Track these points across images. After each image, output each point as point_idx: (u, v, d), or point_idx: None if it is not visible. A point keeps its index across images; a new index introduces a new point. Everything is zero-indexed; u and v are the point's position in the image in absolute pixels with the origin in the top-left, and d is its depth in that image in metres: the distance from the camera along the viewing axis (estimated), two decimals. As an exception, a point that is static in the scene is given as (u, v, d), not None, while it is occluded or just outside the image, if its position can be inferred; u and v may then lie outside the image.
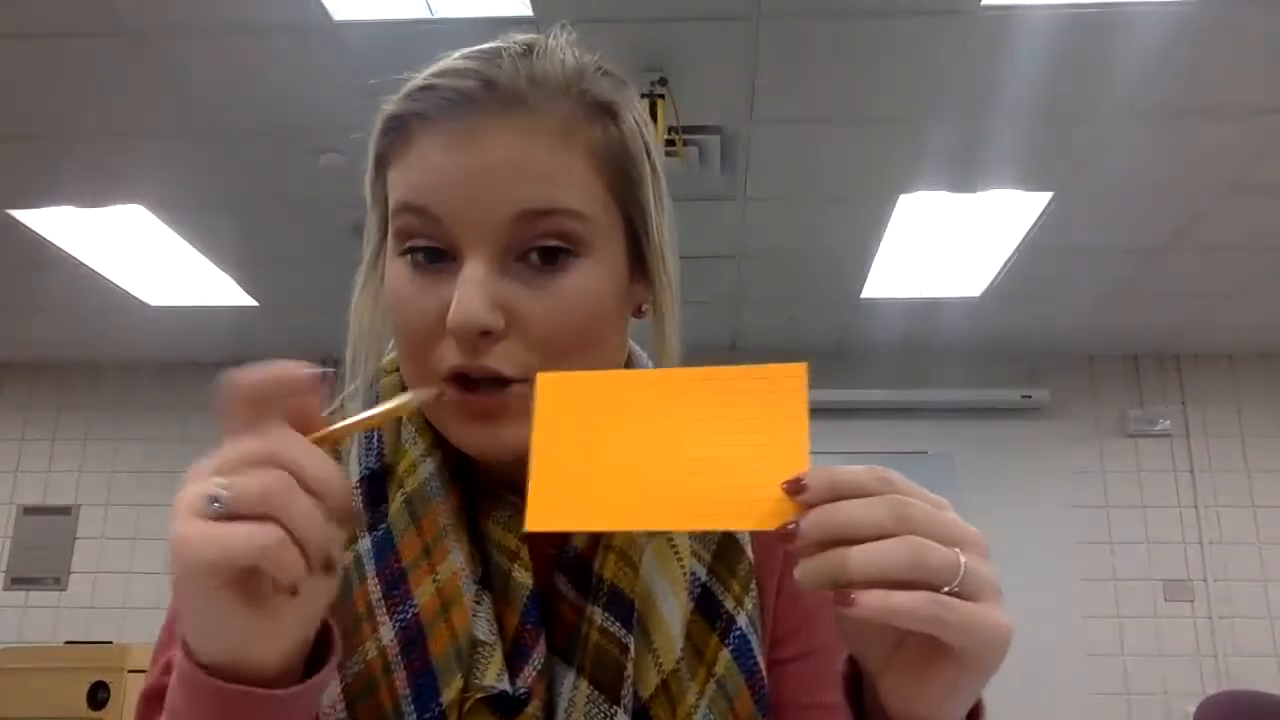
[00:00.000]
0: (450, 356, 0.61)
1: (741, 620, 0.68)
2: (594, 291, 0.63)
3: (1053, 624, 4.75)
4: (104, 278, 4.40)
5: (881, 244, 4.07)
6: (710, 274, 4.35)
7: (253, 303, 4.69)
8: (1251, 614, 5.01)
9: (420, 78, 0.64)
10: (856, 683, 0.56)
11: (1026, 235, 3.95)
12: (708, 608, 0.68)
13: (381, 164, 0.66)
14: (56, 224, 3.91)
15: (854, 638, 0.52)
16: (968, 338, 5.04)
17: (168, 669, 0.61)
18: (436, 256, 0.62)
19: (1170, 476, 5.21)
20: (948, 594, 0.46)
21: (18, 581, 5.37)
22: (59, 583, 5.34)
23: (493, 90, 0.62)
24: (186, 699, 0.52)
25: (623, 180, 0.66)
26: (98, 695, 2.98)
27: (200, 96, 3.08)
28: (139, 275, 4.43)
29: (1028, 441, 5.24)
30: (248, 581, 0.49)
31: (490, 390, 0.61)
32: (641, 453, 0.50)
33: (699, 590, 0.69)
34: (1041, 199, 3.67)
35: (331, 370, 0.54)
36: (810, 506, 0.48)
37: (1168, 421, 5.24)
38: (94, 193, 3.67)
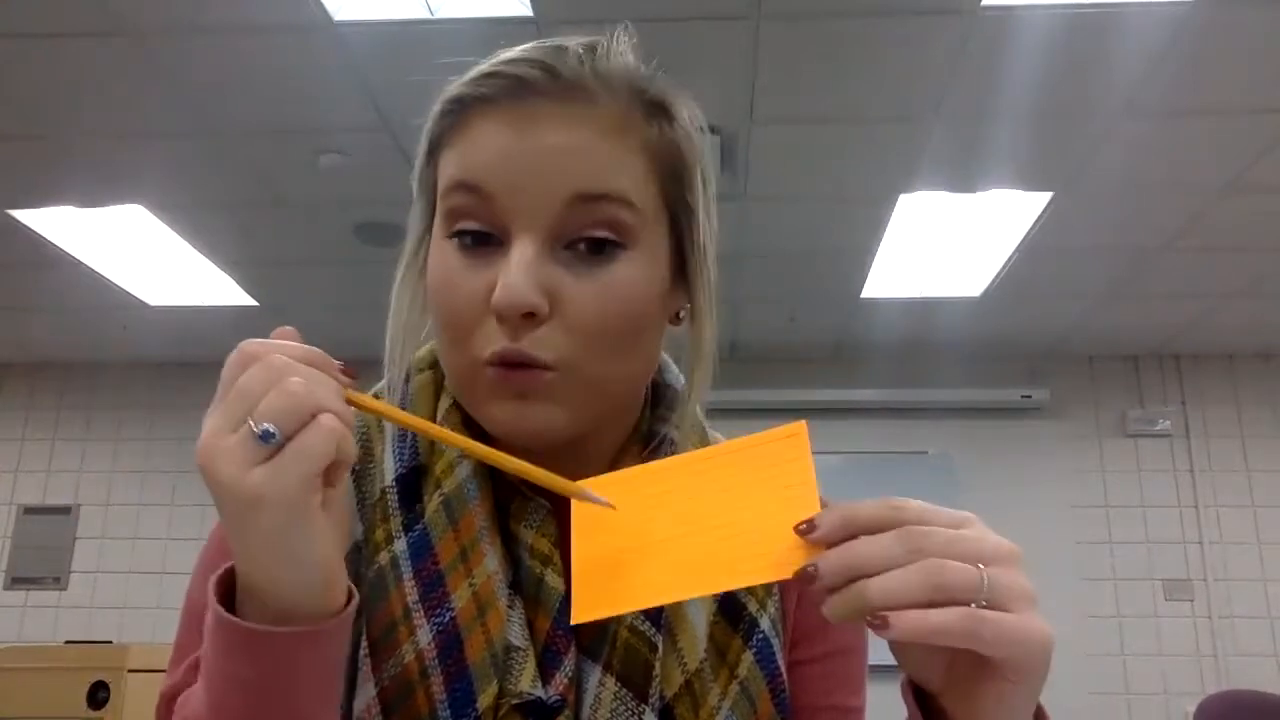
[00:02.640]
0: (493, 340, 0.61)
1: (764, 623, 0.69)
2: (638, 286, 0.63)
3: (1052, 624, 4.65)
4: (104, 278, 4.40)
5: (881, 244, 4.07)
6: (710, 274, 4.34)
7: (253, 303, 4.69)
8: (1251, 614, 5.01)
9: (482, 65, 0.65)
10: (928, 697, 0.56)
11: (1026, 235, 3.95)
12: (731, 610, 0.69)
13: (434, 149, 0.66)
14: (56, 224, 3.92)
15: (907, 662, 0.53)
16: (968, 338, 5.04)
17: (194, 669, 0.60)
18: (484, 239, 0.62)
19: (1170, 476, 5.21)
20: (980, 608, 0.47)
21: (18, 581, 5.37)
22: (59, 583, 5.33)
23: (555, 79, 0.62)
24: (225, 656, 0.51)
25: (673, 181, 0.66)
26: (98, 695, 2.97)
27: (200, 96, 3.08)
28: (139, 275, 4.43)
29: (1027, 441, 5.24)
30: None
31: (526, 369, 0.61)
32: (669, 534, 0.54)
33: (722, 593, 0.69)
34: (1041, 199, 3.67)
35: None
36: (828, 547, 0.49)
37: (1168, 421, 5.23)
38: (94, 193, 3.67)
